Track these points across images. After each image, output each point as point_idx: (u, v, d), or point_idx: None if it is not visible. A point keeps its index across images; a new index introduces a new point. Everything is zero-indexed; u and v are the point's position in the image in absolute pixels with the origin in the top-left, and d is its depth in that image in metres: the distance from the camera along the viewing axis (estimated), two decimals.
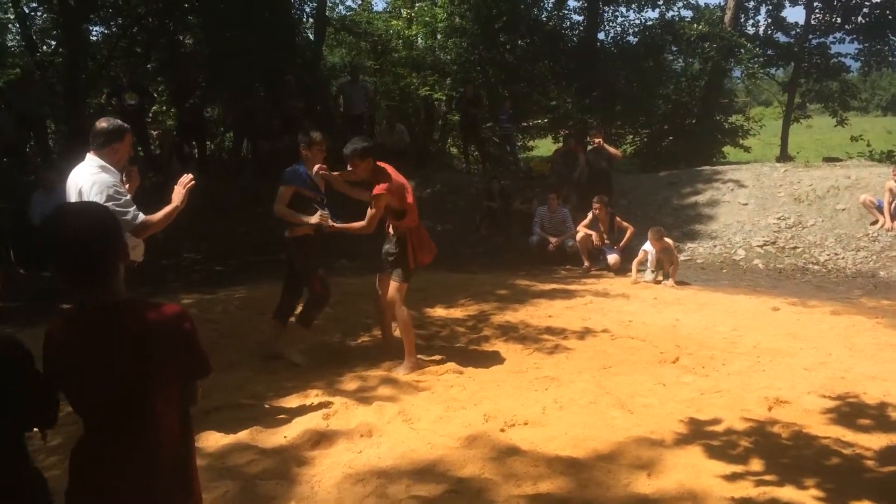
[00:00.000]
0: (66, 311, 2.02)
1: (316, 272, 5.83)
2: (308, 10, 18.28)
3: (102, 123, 4.25)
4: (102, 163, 4.16)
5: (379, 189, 5.40)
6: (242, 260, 10.38)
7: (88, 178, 4.08)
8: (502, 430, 4.34)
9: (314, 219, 5.62)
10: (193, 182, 4.40)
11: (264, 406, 4.79)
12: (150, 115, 15.02)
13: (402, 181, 5.60)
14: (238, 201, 12.09)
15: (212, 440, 4.19)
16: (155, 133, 15.11)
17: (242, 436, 4.26)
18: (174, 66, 15.47)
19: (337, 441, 4.21)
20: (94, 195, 3.99)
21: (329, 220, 5.61)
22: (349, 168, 5.53)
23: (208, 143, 15.52)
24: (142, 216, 4.19)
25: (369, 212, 5.48)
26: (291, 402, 4.86)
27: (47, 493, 2.13)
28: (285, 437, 4.25)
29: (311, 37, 17.99)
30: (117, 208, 3.98)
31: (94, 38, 17.79)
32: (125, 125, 4.33)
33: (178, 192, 4.37)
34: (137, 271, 4.47)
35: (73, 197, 4.11)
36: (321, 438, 4.23)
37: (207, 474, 3.72)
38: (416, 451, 4.05)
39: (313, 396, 4.91)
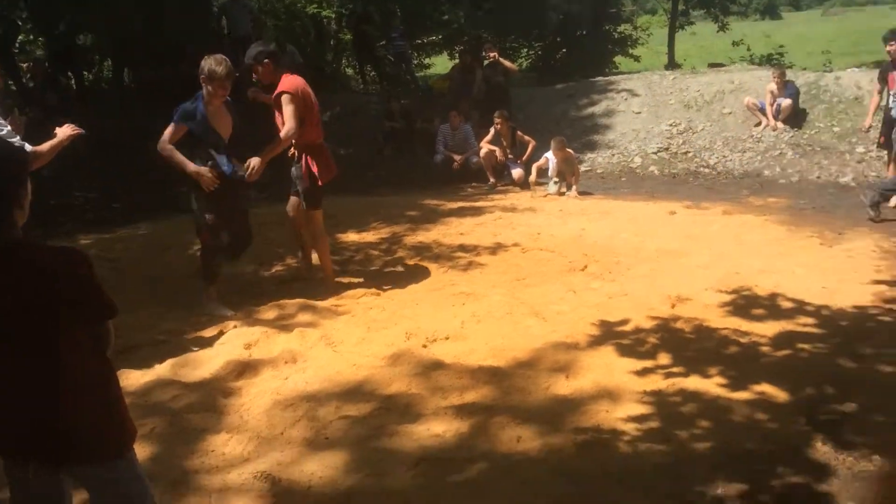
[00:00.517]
0: None
1: (204, 219, 5.24)
2: None
3: None
4: None
5: (287, 86, 5.21)
6: (139, 196, 9.94)
7: None
8: (424, 347, 4.44)
9: (193, 174, 4.99)
10: (80, 132, 4.14)
11: (183, 339, 4.71)
12: (17, 45, 13.87)
13: (307, 89, 5.44)
14: (127, 135, 11.47)
15: (132, 378, 4.10)
16: (25, 65, 14.05)
17: (163, 371, 4.19)
18: None
19: (261, 370, 4.21)
20: None
21: (211, 185, 4.96)
22: (254, 76, 5.29)
23: (85, 73, 14.58)
24: (28, 146, 4.00)
25: (284, 113, 5.22)
26: (209, 334, 4.80)
27: None
28: (208, 370, 4.21)
29: None
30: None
31: None
32: None
33: (66, 130, 4.13)
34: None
35: None
36: (245, 368, 4.21)
37: (133, 412, 3.56)
38: (342, 373, 4.11)
39: (231, 328, 4.86)
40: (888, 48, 7.99)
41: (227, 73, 5.02)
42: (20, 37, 14.82)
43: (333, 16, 18.89)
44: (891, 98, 8.00)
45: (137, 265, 6.62)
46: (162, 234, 7.75)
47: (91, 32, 15.62)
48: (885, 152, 8.49)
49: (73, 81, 12.82)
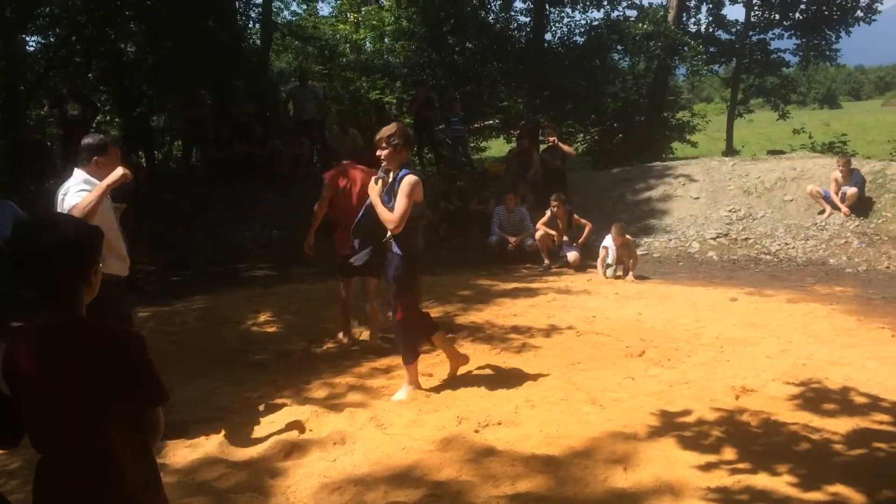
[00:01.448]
0: (23, 326, 1.94)
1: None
2: (254, 15, 18.06)
3: (87, 139, 4.35)
4: (87, 177, 4.23)
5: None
6: (197, 269, 10.17)
7: (69, 182, 4.20)
8: (476, 431, 4.31)
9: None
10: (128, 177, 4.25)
11: (233, 416, 4.68)
12: (94, 125, 14.60)
13: (343, 175, 6.40)
14: (189, 210, 11.85)
15: (179, 455, 4.08)
16: None
17: (211, 449, 4.15)
18: (116, 75, 15.13)
19: (310, 450, 4.13)
20: (70, 195, 4.11)
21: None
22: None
23: (156, 152, 15.21)
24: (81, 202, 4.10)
25: None
26: (260, 413, 4.75)
27: None
28: (256, 449, 4.16)
29: (258, 42, 17.77)
30: (79, 193, 4.11)
31: (32, 49, 17.29)
32: (108, 140, 4.42)
33: (116, 172, 4.21)
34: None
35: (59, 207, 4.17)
36: (293, 448, 4.14)
37: (178, 491, 3.62)
38: (392, 456, 4.00)
39: (282, 406, 4.81)
40: None
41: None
42: (98, 117, 15.60)
43: (395, 101, 19.50)
44: None
45: (194, 338, 6.69)
46: (217, 307, 7.86)
47: (164, 114, 16.43)
48: None
49: (143, 160, 13.35)
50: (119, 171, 4.19)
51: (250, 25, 18.09)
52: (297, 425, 4.44)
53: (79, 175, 4.24)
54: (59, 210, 4.17)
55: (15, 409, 1.91)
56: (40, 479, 1.91)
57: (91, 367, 1.85)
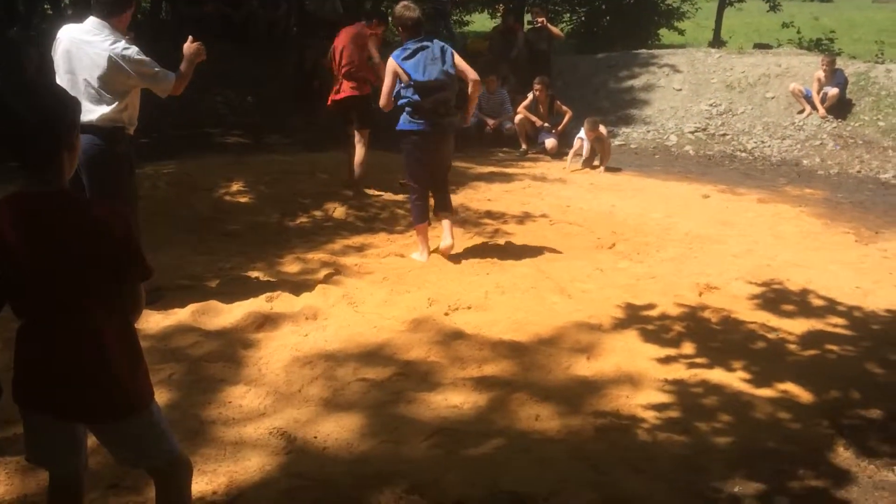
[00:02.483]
0: (7, 195, 1.90)
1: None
2: None
3: None
4: (113, 30, 4.02)
5: None
6: (167, 133, 9.91)
7: (117, 44, 3.96)
8: (446, 314, 4.40)
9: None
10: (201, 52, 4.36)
11: (205, 286, 4.71)
12: None
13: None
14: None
15: (153, 321, 4.12)
16: None
17: (184, 317, 4.20)
18: None
19: (282, 324, 4.20)
20: (135, 54, 4.00)
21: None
22: None
23: None
24: (172, 73, 4.21)
25: None
26: (232, 283, 4.78)
27: None
28: (229, 319, 4.21)
29: None
30: (157, 71, 4.11)
31: None
32: None
33: (192, 48, 4.32)
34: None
35: (87, 64, 3.98)
36: (265, 321, 4.20)
37: (151, 356, 3.66)
38: (363, 334, 4.09)
39: (254, 278, 4.85)
40: None
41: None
42: None
43: None
44: None
45: (164, 205, 6.59)
46: (188, 174, 7.71)
47: None
48: None
49: None
50: (197, 48, 4.29)
51: None
52: (269, 298, 4.49)
53: (104, 26, 3.99)
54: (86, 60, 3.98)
55: None
56: (21, 348, 1.92)
57: (74, 241, 1.83)
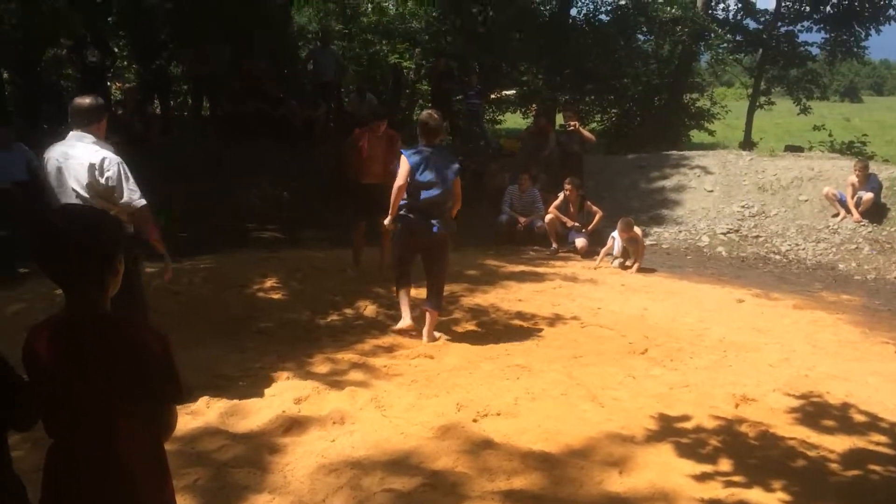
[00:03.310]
0: (50, 317, 1.94)
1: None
2: None
3: (87, 100, 4.30)
4: (95, 139, 4.23)
5: None
6: (206, 227, 10.16)
7: (98, 153, 4.16)
8: (475, 421, 4.33)
9: None
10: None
11: (235, 386, 4.71)
12: (111, 72, 14.51)
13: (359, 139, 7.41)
14: (201, 166, 11.81)
15: (181, 423, 4.02)
16: (117, 89, 14.67)
17: (212, 419, 4.18)
18: (135, 20, 14.95)
19: (309, 428, 4.16)
20: (113, 165, 4.16)
21: None
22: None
23: (171, 102, 15.12)
24: (144, 201, 4.33)
25: None
26: (261, 384, 4.78)
27: (26, 499, 2.05)
28: (256, 422, 4.19)
29: None
30: (131, 187, 4.23)
31: None
32: (106, 104, 4.56)
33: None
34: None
35: (73, 175, 4.15)
36: (293, 424, 4.17)
37: (177, 460, 3.64)
38: (390, 440, 4.03)
39: (284, 379, 4.84)
40: None
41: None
42: (116, 63, 15.48)
43: (413, 67, 19.33)
44: None
45: (199, 301, 6.70)
46: (224, 269, 7.86)
47: (183, 65, 16.26)
48: None
49: (158, 109, 13.27)
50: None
51: None
52: (297, 400, 4.47)
53: (86, 137, 4.20)
54: (74, 171, 4.16)
55: (31, 394, 1.92)
56: (50, 466, 1.93)
57: (112, 365, 1.84)
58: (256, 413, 4.28)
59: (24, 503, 2.02)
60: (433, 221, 5.66)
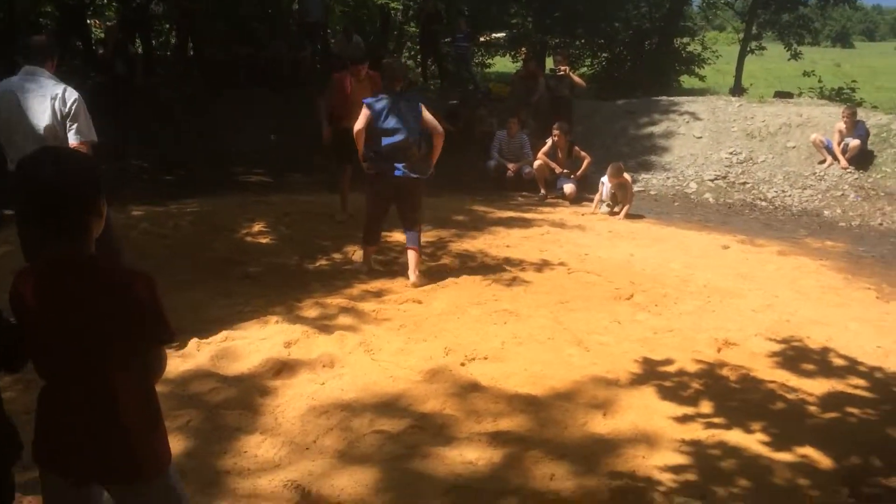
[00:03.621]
0: (36, 261, 1.94)
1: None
2: None
3: (41, 37, 4.44)
4: (50, 74, 4.26)
5: None
6: (192, 171, 10.09)
7: (58, 85, 4.20)
8: (462, 365, 4.40)
9: None
10: None
11: (225, 329, 4.74)
12: (91, 9, 14.15)
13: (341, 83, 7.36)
14: (186, 109, 11.65)
15: (172, 366, 4.13)
16: (97, 27, 14.34)
17: (202, 362, 4.23)
18: None
19: (299, 371, 4.22)
20: (74, 97, 4.20)
21: None
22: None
23: (153, 41, 14.81)
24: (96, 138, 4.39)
25: None
26: (251, 327, 4.81)
27: (18, 440, 2.08)
28: (247, 364, 4.24)
29: None
30: (89, 123, 4.27)
31: None
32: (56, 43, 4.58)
33: None
34: None
35: (30, 106, 4.15)
36: (283, 368, 4.23)
37: (170, 402, 3.69)
38: (379, 383, 4.09)
39: (273, 323, 4.88)
40: None
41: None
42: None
43: (400, 7, 18.95)
44: None
45: (186, 245, 6.69)
46: (211, 213, 7.84)
47: (163, 1, 15.87)
48: None
49: (140, 48, 12.98)
50: None
51: None
52: (287, 343, 4.51)
53: (43, 72, 4.24)
54: (37, 104, 4.16)
55: (20, 337, 1.93)
56: (42, 410, 1.96)
57: (99, 307, 1.85)
58: (247, 356, 4.33)
59: (16, 445, 2.06)
60: (396, 165, 5.74)
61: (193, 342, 4.43)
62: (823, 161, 10.58)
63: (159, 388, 2.14)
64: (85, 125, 4.25)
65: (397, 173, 5.76)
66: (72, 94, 4.20)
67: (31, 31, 12.79)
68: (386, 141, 5.70)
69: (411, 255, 5.99)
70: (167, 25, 16.68)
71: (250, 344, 4.49)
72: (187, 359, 4.26)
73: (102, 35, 13.87)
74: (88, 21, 13.48)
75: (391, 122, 5.68)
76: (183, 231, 7.14)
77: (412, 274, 5.96)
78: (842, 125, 10.48)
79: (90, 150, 4.25)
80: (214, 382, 4.00)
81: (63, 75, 4.60)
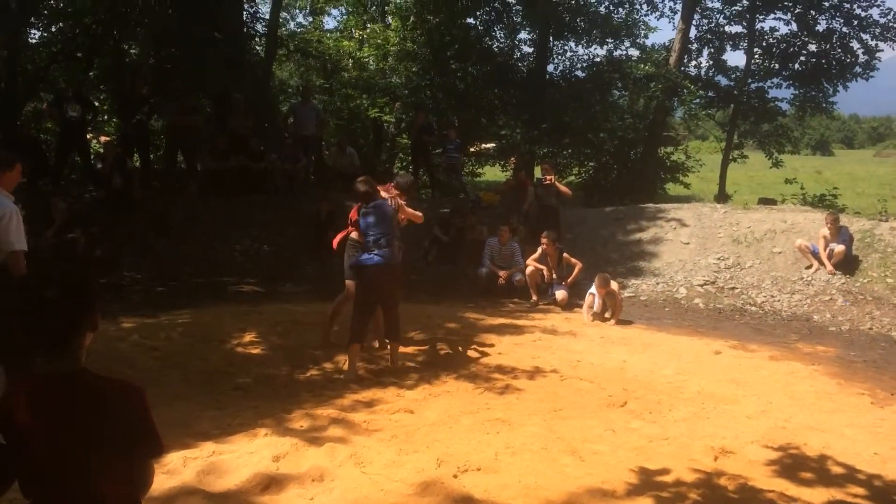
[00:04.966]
0: (28, 376, 1.94)
1: None
2: (260, 28, 18.12)
3: None
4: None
5: None
6: (185, 281, 10.13)
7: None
8: (455, 477, 4.30)
9: None
10: None
11: (213, 444, 4.65)
12: (92, 126, 14.56)
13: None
14: (180, 220, 11.82)
15: (156, 483, 4.00)
16: (97, 143, 14.72)
17: (188, 478, 4.13)
18: (117, 75, 15.11)
19: (287, 486, 4.12)
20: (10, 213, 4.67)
21: None
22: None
23: (152, 157, 15.15)
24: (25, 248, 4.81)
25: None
26: (239, 441, 4.72)
27: None
28: (234, 480, 4.14)
29: (262, 54, 17.83)
30: (19, 232, 4.73)
31: (34, 41, 17.24)
32: (15, 157, 5.01)
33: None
34: None
35: None
36: (271, 482, 4.13)
37: None
38: (369, 497, 4.00)
39: (262, 436, 4.79)
40: None
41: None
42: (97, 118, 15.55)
43: (393, 121, 19.62)
44: None
45: (177, 356, 6.65)
46: (202, 323, 7.82)
47: (164, 118, 16.38)
48: None
49: (138, 163, 13.28)
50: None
51: (256, 38, 18.13)
52: (276, 457, 4.42)
53: None
54: None
55: (8, 456, 1.90)
56: None
57: (89, 421, 1.84)
58: (234, 471, 4.24)
59: None
60: (383, 255, 6.42)
61: (180, 457, 4.34)
62: (810, 266, 10.72)
63: None
64: (15, 235, 4.69)
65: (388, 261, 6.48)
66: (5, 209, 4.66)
67: (31, 146, 13.13)
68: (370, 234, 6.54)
69: (394, 347, 6.79)
70: (165, 141, 17.16)
71: (238, 458, 4.40)
72: (173, 475, 4.16)
73: (101, 150, 14.23)
74: (88, 136, 13.82)
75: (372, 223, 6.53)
76: (174, 342, 7.11)
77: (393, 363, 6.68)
78: (826, 231, 10.70)
79: (16, 256, 4.69)
80: (200, 500, 3.89)
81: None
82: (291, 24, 24.50)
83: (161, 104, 13.45)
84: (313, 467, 4.29)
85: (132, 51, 17.39)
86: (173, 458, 4.31)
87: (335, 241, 7.04)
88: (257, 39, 18.10)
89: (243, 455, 4.45)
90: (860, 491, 4.38)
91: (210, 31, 13.89)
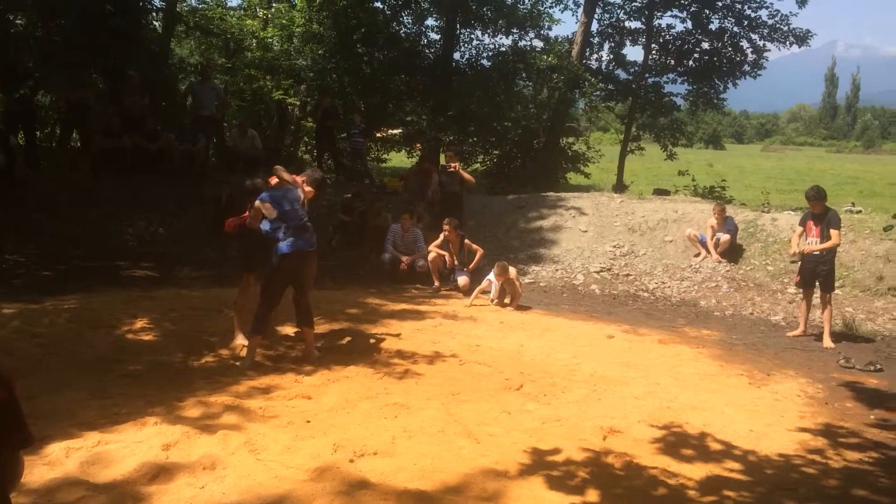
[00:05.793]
0: None
1: None
2: (157, 1, 17.41)
3: None
4: None
5: None
6: (73, 264, 9.67)
7: None
8: (351, 461, 4.32)
9: None
10: None
11: (98, 433, 4.48)
12: None
13: None
14: (70, 200, 11.27)
15: (36, 475, 3.87)
16: None
17: (71, 469, 3.98)
18: (2, 48, 14.20)
19: (177, 475, 4.03)
20: None
21: None
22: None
23: (38, 133, 14.37)
24: None
25: None
26: (127, 430, 4.57)
27: None
28: (120, 470, 4.01)
29: (159, 29, 17.15)
30: None
31: None
32: None
33: None
34: None
35: None
36: (160, 472, 4.03)
37: None
38: (263, 484, 3.96)
39: (151, 424, 4.66)
40: (809, 203, 8.49)
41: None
42: None
43: (298, 103, 19.25)
44: (807, 243, 8.39)
45: (62, 343, 6.36)
46: (91, 309, 7.50)
47: (51, 94, 15.51)
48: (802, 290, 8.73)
49: (23, 141, 12.55)
50: None
51: (153, 13, 17.41)
52: (165, 446, 4.31)
53: None
54: None
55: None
56: None
57: None
58: (120, 461, 4.11)
59: None
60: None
61: (62, 447, 4.17)
62: (698, 254, 11.25)
63: (19, 499, 2.02)
64: None
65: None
66: None
67: None
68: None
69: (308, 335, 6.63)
70: (54, 117, 16.28)
71: (125, 447, 4.26)
72: (54, 466, 3.99)
73: None
74: None
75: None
76: (59, 329, 6.79)
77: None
78: (713, 221, 11.25)
79: None
80: (83, 491, 3.76)
81: None
82: (192, 0, 23.64)
83: (48, 78, 12.73)
84: (205, 455, 4.21)
85: (18, 21, 16.36)
86: (54, 449, 4.15)
87: (228, 225, 6.81)
88: (154, 14, 17.37)
89: (131, 444, 4.31)
90: (736, 466, 4.65)
91: (100, 2, 13.22)
